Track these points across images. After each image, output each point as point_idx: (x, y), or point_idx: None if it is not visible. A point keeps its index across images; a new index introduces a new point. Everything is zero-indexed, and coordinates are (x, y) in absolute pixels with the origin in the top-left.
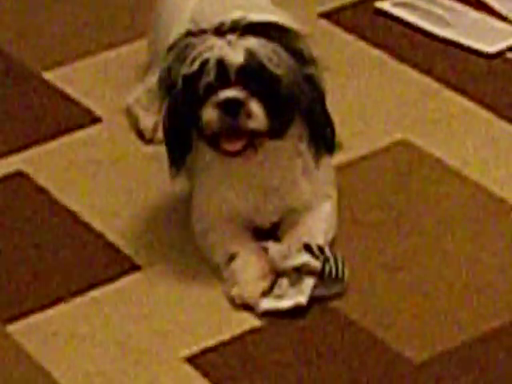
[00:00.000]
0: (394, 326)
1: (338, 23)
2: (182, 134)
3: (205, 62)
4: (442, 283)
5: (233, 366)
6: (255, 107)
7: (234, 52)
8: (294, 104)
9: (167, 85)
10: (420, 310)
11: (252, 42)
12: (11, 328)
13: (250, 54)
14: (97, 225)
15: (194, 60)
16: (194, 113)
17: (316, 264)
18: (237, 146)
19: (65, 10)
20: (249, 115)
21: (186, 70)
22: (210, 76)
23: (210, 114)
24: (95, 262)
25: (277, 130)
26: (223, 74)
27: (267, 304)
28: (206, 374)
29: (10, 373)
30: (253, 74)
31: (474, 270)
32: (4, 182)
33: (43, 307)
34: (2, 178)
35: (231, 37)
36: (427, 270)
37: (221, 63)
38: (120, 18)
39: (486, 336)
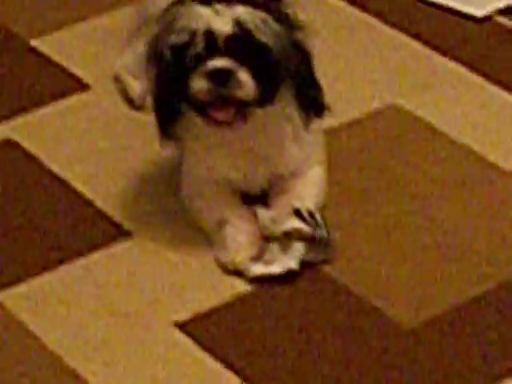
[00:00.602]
0: (384, 291)
1: None
2: (170, 103)
3: (193, 32)
4: (432, 248)
5: (223, 332)
6: (244, 76)
7: (222, 21)
8: (283, 71)
9: (155, 53)
10: (410, 274)
11: (239, 10)
12: (2, 295)
13: (238, 23)
14: (86, 192)
15: (182, 30)
16: (183, 82)
17: (306, 229)
18: (226, 115)
19: None
20: (237, 84)
21: (174, 39)
22: (199, 46)
23: (198, 84)
24: (85, 229)
25: (266, 98)
26: (211, 43)
27: (258, 270)
28: (196, 340)
29: (1, 339)
30: (241, 44)
31: (463, 234)
32: None
33: (34, 274)
34: None
35: (219, 6)
36: (417, 234)
37: (209, 33)
38: None
39: (474, 300)
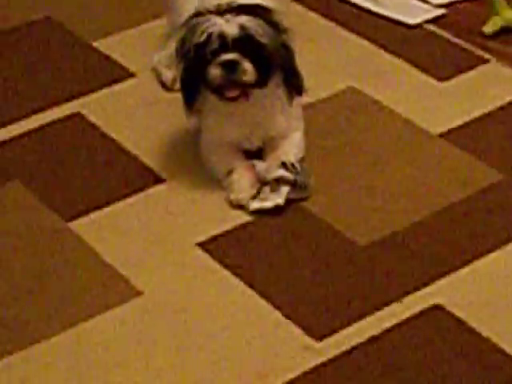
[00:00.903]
0: (345, 218)
1: (305, 5)
2: (193, 86)
3: (210, 34)
4: (382, 188)
5: (233, 250)
6: (247, 65)
7: (231, 27)
8: (274, 62)
9: (183, 50)
10: (366, 206)
11: (243, 19)
12: (72, 224)
13: (242, 27)
14: (134, 150)
15: (202, 33)
16: (203, 70)
17: (290, 176)
18: (234, 93)
19: None
20: (242, 71)
21: (196, 40)
22: (214, 44)
23: (214, 71)
24: (132, 177)
25: (262, 81)
26: (223, 42)
27: (256, 204)
28: (213, 256)
29: (72, 262)
30: (245, 42)
31: (407, 176)
32: (66, 121)
33: (95, 208)
34: (65, 118)
35: (228, 16)
36: (372, 178)
37: (221, 35)
38: (149, 1)
39: (419, 223)
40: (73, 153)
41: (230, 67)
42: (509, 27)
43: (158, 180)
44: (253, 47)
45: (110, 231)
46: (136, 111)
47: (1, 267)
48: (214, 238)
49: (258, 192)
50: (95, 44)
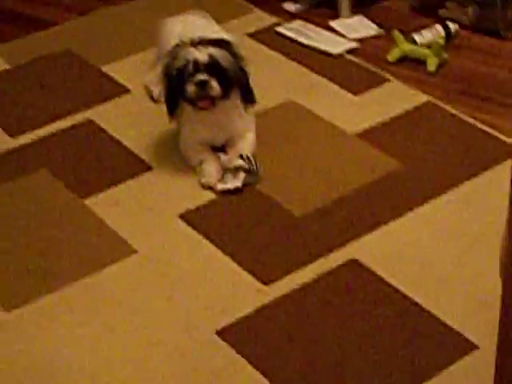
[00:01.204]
0: (286, 193)
1: (255, 39)
2: (174, 98)
3: (187, 61)
4: (314, 171)
5: (205, 220)
6: (214, 83)
7: (202, 55)
8: (233, 81)
9: (166, 73)
10: (302, 184)
11: (211, 49)
12: (86, 201)
13: (211, 56)
14: (130, 146)
15: (181, 59)
16: (181, 87)
17: (245, 165)
18: (204, 104)
19: (116, 29)
20: (211, 88)
21: (177, 65)
22: (190, 68)
23: (190, 88)
24: (129, 166)
25: (225, 95)
26: (197, 67)
27: (220, 186)
28: (190, 224)
29: (86, 228)
30: (212, 67)
31: (331, 164)
32: (81, 126)
33: (103, 189)
34: (80, 123)
35: (200, 47)
36: (305, 165)
37: (195, 61)
38: (143, 37)
39: (339, 199)
40: (87, 148)
41: (202, 85)
42: (406, 56)
43: (149, 168)
44: (218, 70)
45: (114, 205)
46: (132, 118)
47: (31, 233)
48: (191, 211)
49: (222, 177)
50: (103, 68)
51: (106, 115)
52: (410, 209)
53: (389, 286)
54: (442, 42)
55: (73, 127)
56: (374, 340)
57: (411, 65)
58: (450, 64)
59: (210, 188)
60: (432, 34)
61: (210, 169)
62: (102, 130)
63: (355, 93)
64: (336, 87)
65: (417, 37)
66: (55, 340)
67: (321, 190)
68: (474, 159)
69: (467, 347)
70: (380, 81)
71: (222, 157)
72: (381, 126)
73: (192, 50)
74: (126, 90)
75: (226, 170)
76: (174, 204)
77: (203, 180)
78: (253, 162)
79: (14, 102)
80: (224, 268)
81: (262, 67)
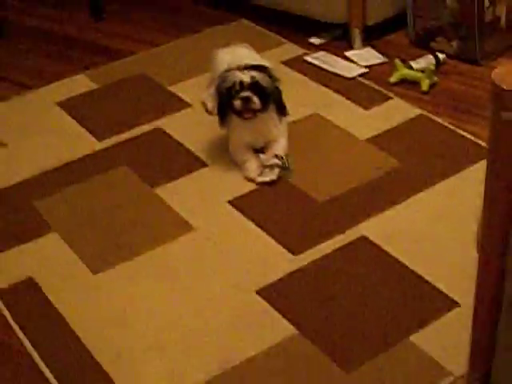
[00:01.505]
0: (310, 182)
1: (287, 65)
2: (224, 111)
3: (234, 82)
4: (334, 167)
5: (248, 204)
6: (255, 99)
7: (246, 77)
8: (270, 97)
9: (218, 91)
10: (325, 176)
11: (253, 73)
12: (156, 189)
13: (253, 77)
14: (190, 147)
15: (229, 81)
16: (230, 102)
17: (279, 163)
18: (248, 115)
19: (180, 57)
20: (253, 102)
21: (226, 85)
22: (237, 87)
23: (237, 102)
24: (189, 163)
25: (264, 108)
26: (242, 86)
27: (260, 179)
28: (237, 208)
29: (155, 211)
30: (254, 86)
31: (347, 161)
32: (152, 133)
33: (168, 181)
34: (150, 131)
35: (245, 71)
36: (327, 162)
37: (241, 82)
38: (201, 63)
39: (354, 188)
40: (157, 150)
41: (246, 100)
42: (404, 79)
43: (205, 165)
44: (259, 89)
45: (177, 193)
46: (192, 126)
47: (114, 215)
48: (237, 198)
49: (261, 172)
50: (170, 88)
51: (172, 124)
52: (408, 197)
53: (390, 256)
54: (433, 67)
55: (146, 133)
56: (377, 298)
57: (409, 85)
58: (440, 85)
59: (252, 180)
60: (425, 62)
61: (252, 165)
62: (169, 136)
63: (365, 108)
64: (350, 103)
65: (413, 63)
66: (130, 296)
67: (338, 182)
68: (458, 159)
69: (451, 305)
70: (384, 98)
71: (261, 156)
72: (385, 133)
73: (238, 73)
74: (188, 105)
75: (264, 167)
76: (224, 193)
77: (246, 174)
78: (285, 160)
79: (101, 113)
80: (262, 241)
81: (293, 87)
